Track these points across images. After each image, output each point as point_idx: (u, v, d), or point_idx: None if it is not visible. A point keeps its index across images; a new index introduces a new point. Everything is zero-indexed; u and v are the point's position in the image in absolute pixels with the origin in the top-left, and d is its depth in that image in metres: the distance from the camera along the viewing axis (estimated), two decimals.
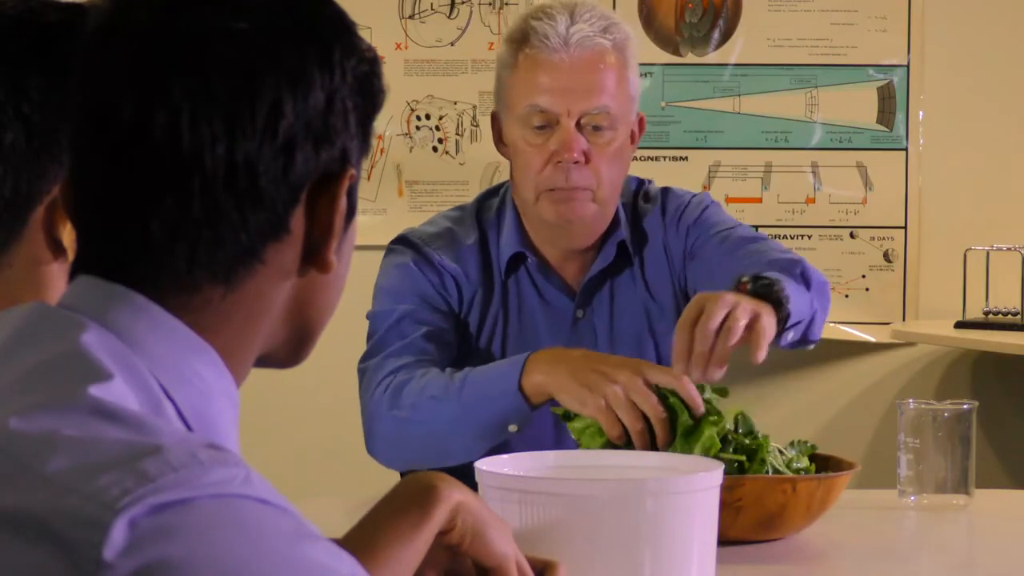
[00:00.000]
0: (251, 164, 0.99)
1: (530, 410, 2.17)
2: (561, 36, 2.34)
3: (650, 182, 2.55)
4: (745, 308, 2.04)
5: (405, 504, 1.36)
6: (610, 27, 2.37)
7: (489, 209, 2.49)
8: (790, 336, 2.20)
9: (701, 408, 1.99)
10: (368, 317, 2.42)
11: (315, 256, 1.04)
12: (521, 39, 2.37)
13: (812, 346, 2.32)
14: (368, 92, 1.06)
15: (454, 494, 1.38)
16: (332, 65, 1.02)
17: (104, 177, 1.00)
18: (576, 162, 2.34)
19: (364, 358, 2.36)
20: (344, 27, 1.05)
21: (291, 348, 1.09)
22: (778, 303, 2.12)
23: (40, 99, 1.25)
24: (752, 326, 2.04)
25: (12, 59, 1.27)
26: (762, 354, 2.04)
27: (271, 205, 1.00)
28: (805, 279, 2.26)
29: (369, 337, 2.39)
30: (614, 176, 2.39)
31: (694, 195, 2.53)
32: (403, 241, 2.47)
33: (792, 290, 2.17)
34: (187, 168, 0.98)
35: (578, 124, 2.34)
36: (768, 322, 2.07)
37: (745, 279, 2.14)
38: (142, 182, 0.98)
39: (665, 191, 2.53)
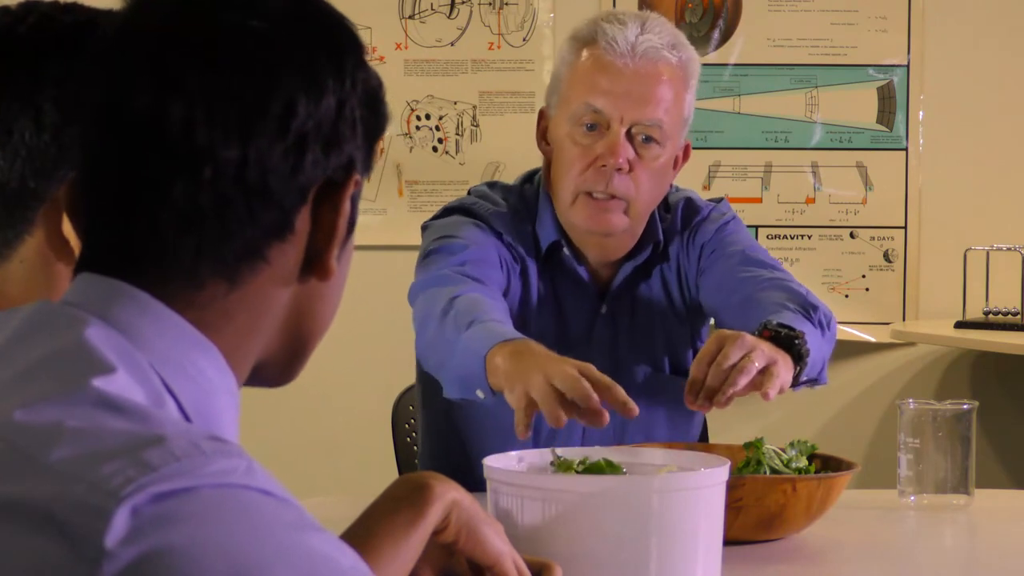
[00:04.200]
0: (262, 160, 0.99)
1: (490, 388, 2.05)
2: (629, 42, 2.34)
3: (675, 188, 2.52)
4: (762, 353, 2.04)
5: (399, 503, 1.37)
6: (678, 45, 2.38)
7: (530, 195, 2.46)
8: (803, 382, 2.19)
9: (633, 413, 1.86)
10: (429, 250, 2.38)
11: (317, 260, 1.04)
12: (588, 39, 2.37)
13: (820, 386, 2.29)
14: (375, 109, 1.07)
15: (448, 492, 1.38)
16: (344, 73, 1.03)
17: (115, 169, 1.00)
18: (619, 169, 2.33)
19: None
20: (356, 42, 1.07)
21: (285, 359, 1.09)
22: (798, 357, 2.12)
23: (56, 95, 1.25)
24: (766, 370, 2.04)
25: (30, 55, 1.27)
26: (772, 394, 2.03)
27: (279, 203, 1.01)
28: (821, 325, 2.26)
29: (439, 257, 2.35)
30: (652, 192, 2.39)
31: (714, 207, 2.52)
32: (465, 211, 2.43)
33: (812, 341, 2.16)
34: (199, 160, 0.98)
35: (628, 133, 2.34)
36: (783, 370, 2.07)
37: (771, 326, 2.13)
38: (154, 173, 0.99)
39: (686, 203, 2.51)
